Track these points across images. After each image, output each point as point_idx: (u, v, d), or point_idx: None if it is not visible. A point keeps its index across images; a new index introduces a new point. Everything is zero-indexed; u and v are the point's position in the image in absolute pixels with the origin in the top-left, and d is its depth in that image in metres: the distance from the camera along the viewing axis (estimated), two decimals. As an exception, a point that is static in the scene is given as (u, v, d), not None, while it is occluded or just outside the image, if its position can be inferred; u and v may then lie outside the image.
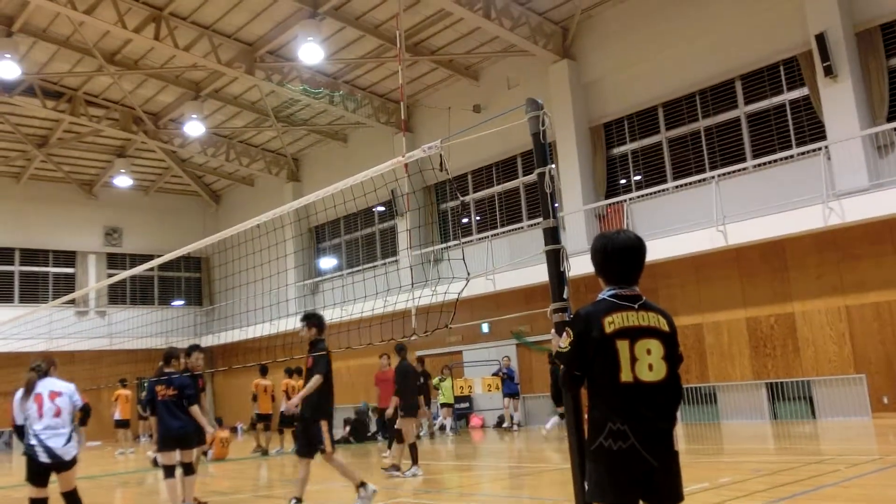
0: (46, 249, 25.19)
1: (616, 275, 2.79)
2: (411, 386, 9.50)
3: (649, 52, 15.90)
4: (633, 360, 2.65)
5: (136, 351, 19.05)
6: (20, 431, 5.27)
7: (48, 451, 5.08)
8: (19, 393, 5.32)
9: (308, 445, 6.59)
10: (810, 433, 11.37)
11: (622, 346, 2.65)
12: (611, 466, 2.61)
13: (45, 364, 5.44)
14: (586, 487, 2.74)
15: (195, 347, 7.89)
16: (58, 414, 5.20)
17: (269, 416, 14.95)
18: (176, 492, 6.81)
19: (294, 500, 6.45)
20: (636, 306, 2.73)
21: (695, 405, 14.53)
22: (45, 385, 5.31)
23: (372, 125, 20.94)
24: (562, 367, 2.78)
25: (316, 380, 6.44)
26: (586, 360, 2.69)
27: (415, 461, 8.90)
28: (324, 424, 6.47)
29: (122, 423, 18.14)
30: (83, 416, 5.43)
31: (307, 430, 6.60)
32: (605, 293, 2.77)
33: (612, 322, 2.66)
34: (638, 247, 2.80)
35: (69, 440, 5.19)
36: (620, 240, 2.80)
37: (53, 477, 5.27)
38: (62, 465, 5.15)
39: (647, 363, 2.66)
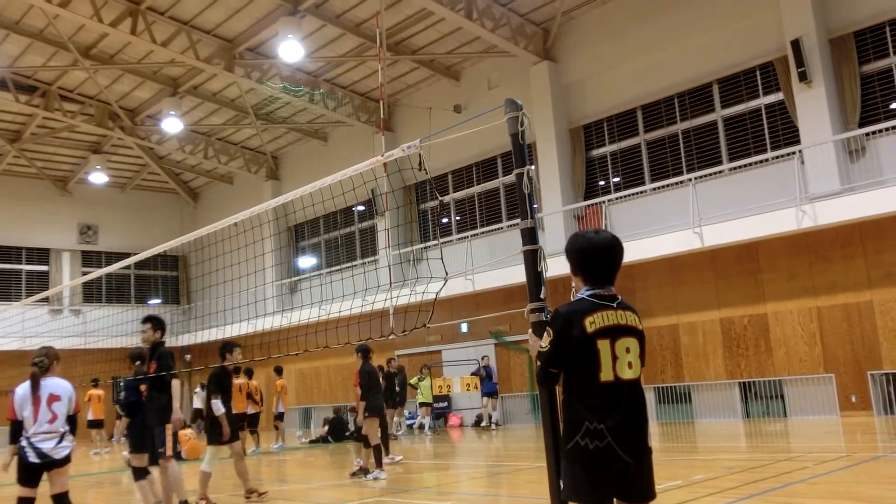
0: (19, 247, 24.71)
1: (595, 274, 2.80)
2: (376, 387, 9.53)
3: (629, 54, 16.07)
4: (615, 358, 2.68)
5: (112, 350, 18.77)
6: (18, 428, 5.12)
7: (38, 451, 5.04)
8: (21, 389, 5.18)
9: (155, 452, 6.56)
10: (781, 431, 11.59)
11: (603, 345, 2.67)
12: (587, 465, 2.63)
13: (47, 360, 5.27)
14: (561, 487, 2.75)
15: (234, 346, 7.92)
16: (52, 420, 5.13)
17: (244, 415, 14.82)
18: (149, 493, 6.73)
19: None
20: (615, 305, 2.76)
21: (670, 404, 14.73)
22: (46, 387, 5.18)
23: (352, 124, 20.88)
24: (538, 364, 2.81)
25: (178, 384, 6.46)
26: (565, 359, 2.70)
27: (378, 464, 8.87)
28: (168, 429, 6.44)
29: (96, 424, 17.86)
30: (72, 426, 5.36)
31: (154, 436, 6.53)
32: (584, 293, 2.78)
33: (593, 322, 2.68)
34: (616, 247, 2.82)
35: (61, 440, 5.13)
36: (599, 240, 2.81)
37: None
38: (53, 463, 5.10)
39: (627, 361, 2.71)
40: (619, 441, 2.62)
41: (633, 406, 2.70)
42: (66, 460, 5.18)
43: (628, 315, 2.77)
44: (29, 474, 5.08)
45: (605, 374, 2.66)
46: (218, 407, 7.38)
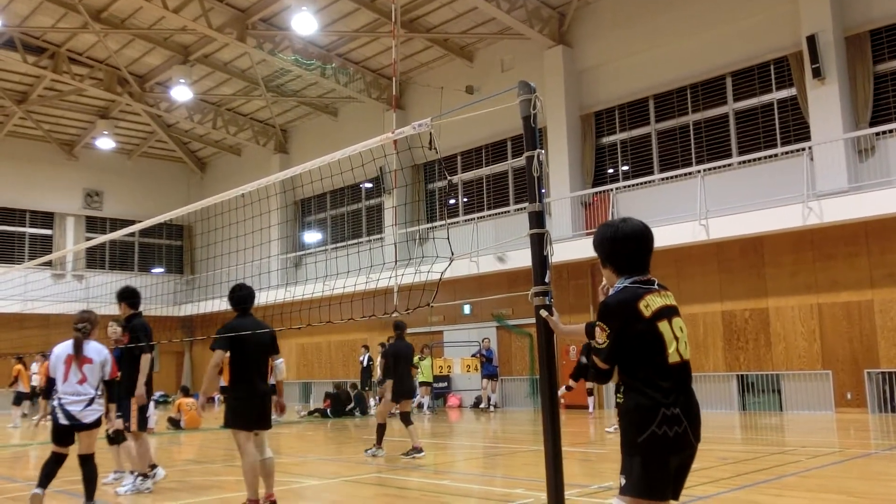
0: (24, 209, 24.76)
1: (629, 262, 2.70)
2: (400, 369, 9.40)
3: (644, 43, 15.92)
4: (676, 338, 2.59)
5: (114, 316, 18.88)
6: (51, 385, 5.28)
7: (67, 413, 5.18)
8: (58, 349, 5.34)
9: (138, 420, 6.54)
10: (776, 425, 11.68)
11: (664, 326, 2.57)
12: (664, 456, 2.47)
13: (89, 325, 5.43)
14: (623, 482, 2.53)
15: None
16: (82, 382, 5.25)
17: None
18: (128, 455, 6.69)
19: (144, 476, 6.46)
20: (657, 287, 2.68)
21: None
22: (82, 349, 5.34)
23: (363, 100, 20.78)
24: (596, 363, 2.62)
25: (147, 359, 6.45)
26: (625, 350, 2.55)
27: (378, 442, 8.96)
28: (133, 402, 6.44)
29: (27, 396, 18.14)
30: (108, 391, 5.39)
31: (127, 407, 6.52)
32: (625, 281, 2.66)
33: (647, 305, 2.58)
34: (646, 233, 2.74)
35: (90, 404, 5.24)
36: (628, 228, 2.72)
37: None
38: (81, 426, 5.24)
39: (684, 341, 2.62)
40: (692, 424, 2.51)
41: (691, 388, 2.61)
42: (95, 424, 5.30)
43: (670, 296, 2.70)
44: (60, 434, 5.24)
45: (673, 356, 2.55)
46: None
